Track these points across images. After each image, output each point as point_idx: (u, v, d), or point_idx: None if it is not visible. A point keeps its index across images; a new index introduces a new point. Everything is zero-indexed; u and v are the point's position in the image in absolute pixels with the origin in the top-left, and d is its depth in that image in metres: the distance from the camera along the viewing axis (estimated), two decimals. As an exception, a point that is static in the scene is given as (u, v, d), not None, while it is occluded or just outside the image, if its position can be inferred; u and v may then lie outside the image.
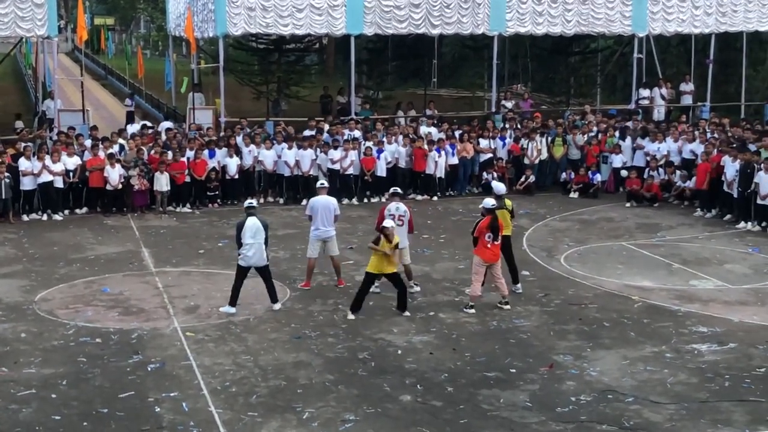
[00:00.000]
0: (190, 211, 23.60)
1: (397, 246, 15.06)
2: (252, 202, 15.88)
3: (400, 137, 25.79)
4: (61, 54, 53.11)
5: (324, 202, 16.60)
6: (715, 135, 25.48)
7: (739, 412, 11.32)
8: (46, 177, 22.38)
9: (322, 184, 17.28)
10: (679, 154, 25.39)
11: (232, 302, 15.30)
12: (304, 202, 24.23)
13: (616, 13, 31.08)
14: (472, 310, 15.21)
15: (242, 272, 15.33)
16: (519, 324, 14.73)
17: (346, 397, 11.81)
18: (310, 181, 24.47)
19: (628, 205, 24.25)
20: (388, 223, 15.16)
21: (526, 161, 26.47)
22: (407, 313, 15.08)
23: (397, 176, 25.31)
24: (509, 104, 32.56)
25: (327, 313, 15.21)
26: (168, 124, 35.87)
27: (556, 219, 22.78)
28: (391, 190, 17.46)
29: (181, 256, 19.14)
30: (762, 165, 21.08)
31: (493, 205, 15.41)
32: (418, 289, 16.46)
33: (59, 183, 22.66)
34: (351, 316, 14.96)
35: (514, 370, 12.70)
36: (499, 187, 16.73)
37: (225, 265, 18.27)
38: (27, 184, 22.36)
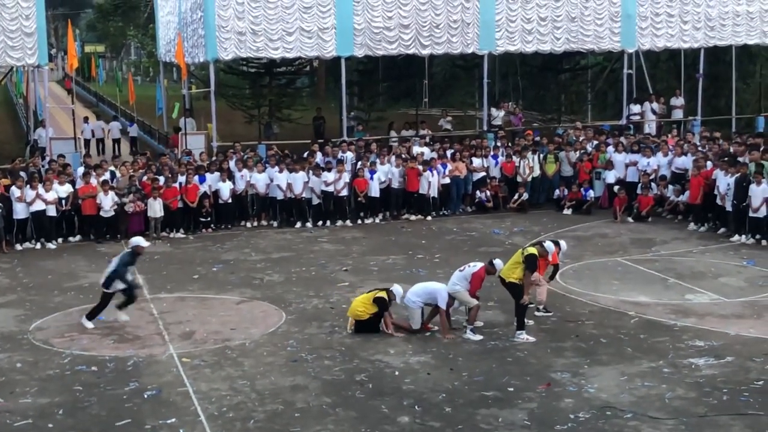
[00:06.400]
0: (184, 236, 23.56)
1: None
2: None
3: (393, 158, 25.80)
4: (52, 82, 53.20)
5: None
6: (707, 149, 25.52)
7: (738, 425, 11.28)
8: (38, 206, 22.34)
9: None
10: (670, 167, 25.38)
11: None
12: (298, 225, 24.34)
13: (605, 30, 31.28)
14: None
15: None
16: (516, 342, 14.69)
17: (344, 419, 11.75)
18: (303, 204, 24.56)
19: (616, 219, 24.35)
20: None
21: (519, 179, 26.52)
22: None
23: (391, 197, 25.37)
24: (499, 113, 32.48)
25: (323, 336, 15.17)
26: (118, 124, 36.40)
27: (550, 236, 22.67)
28: None
29: (175, 281, 19.09)
30: (754, 178, 21.15)
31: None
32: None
33: (52, 211, 22.57)
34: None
35: (512, 389, 12.66)
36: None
37: (220, 289, 18.25)
38: (20, 212, 22.29)
